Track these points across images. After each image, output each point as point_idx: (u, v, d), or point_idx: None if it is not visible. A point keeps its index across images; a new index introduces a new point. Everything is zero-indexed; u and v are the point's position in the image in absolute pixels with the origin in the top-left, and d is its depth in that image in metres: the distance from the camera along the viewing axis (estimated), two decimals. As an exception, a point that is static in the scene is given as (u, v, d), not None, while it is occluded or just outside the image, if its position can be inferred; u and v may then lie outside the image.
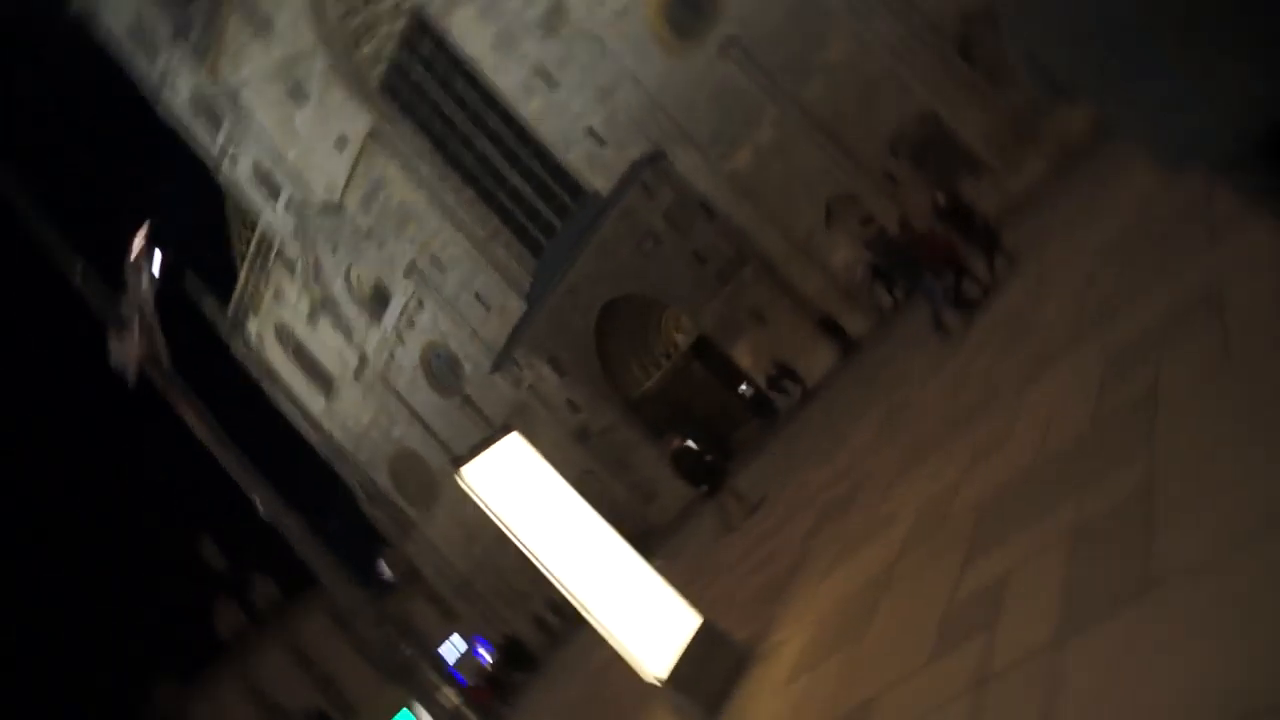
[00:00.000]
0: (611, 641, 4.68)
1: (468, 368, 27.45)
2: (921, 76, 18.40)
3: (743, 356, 22.15)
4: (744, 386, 22.94)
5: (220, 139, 28.44)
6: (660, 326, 25.41)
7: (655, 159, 21.49)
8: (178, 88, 28.11)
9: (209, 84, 27.31)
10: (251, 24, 25.80)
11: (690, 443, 11.25)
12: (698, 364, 24.65)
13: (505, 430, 4.95)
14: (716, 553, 10.35)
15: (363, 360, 30.02)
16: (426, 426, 29.55)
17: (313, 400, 32.85)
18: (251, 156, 28.39)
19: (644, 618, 4.80)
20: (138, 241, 5.27)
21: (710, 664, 4.84)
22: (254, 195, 29.29)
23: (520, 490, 4.82)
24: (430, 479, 30.32)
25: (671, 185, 21.51)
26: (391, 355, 29.22)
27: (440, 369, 28.60)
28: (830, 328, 19.43)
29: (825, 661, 3.96)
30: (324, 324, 30.53)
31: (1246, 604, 1.95)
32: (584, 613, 4.68)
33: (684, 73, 20.94)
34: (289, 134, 27.20)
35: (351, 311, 29.70)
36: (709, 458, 11.17)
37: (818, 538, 6.24)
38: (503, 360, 24.78)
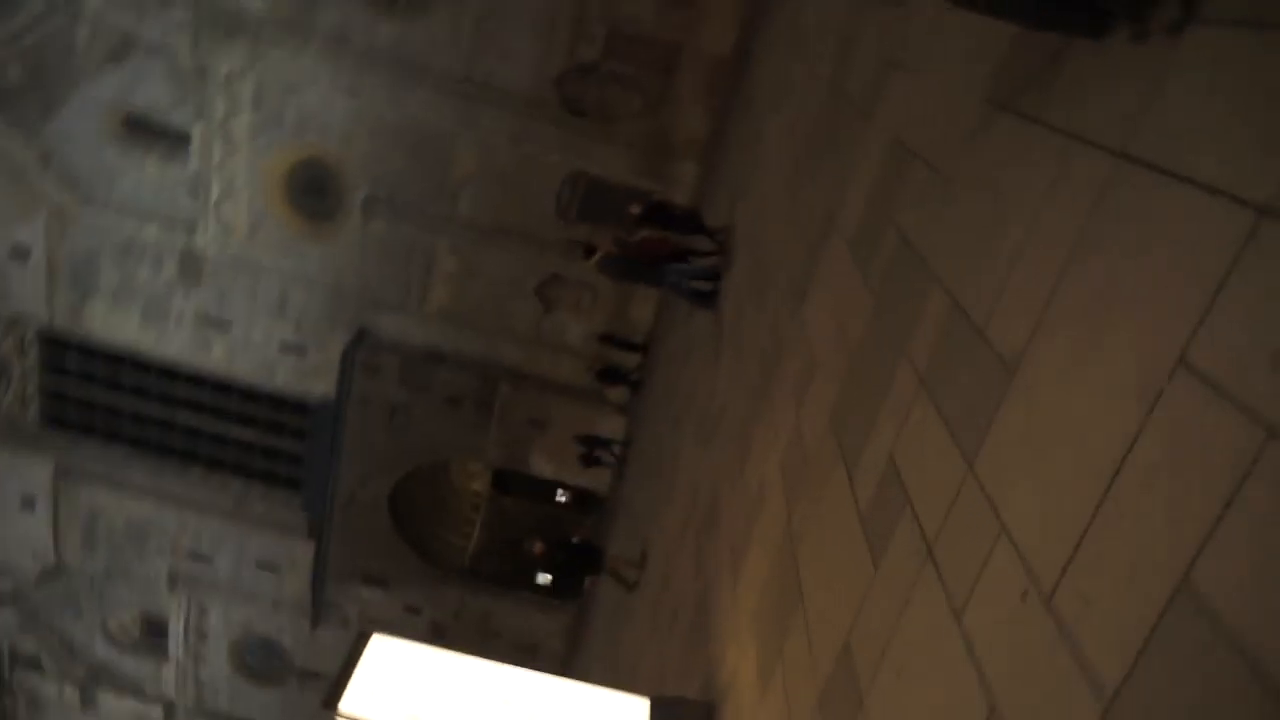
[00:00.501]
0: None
1: (287, 641, 24.79)
2: (549, 148, 19.52)
3: (544, 467, 21.86)
4: (559, 493, 22.62)
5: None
6: (453, 486, 24.54)
7: (360, 339, 20.99)
8: None
9: None
10: None
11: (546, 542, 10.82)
12: (507, 499, 24.01)
13: (364, 639, 4.37)
14: (626, 639, 9.90)
15: (168, 707, 26.11)
16: (275, 727, 26.21)
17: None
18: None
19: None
20: None
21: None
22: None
23: (411, 688, 4.27)
24: (310, 773, 26.87)
25: (389, 353, 21.08)
26: (197, 680, 25.67)
27: (257, 661, 25.56)
28: (610, 376, 19.68)
29: (783, 647, 3.79)
30: (105, 697, 26.26)
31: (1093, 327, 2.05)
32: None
33: (343, 249, 20.75)
34: (-39, 528, 23.67)
35: (130, 664, 25.85)
36: (575, 541, 10.79)
37: (707, 559, 6.10)
38: (318, 611, 22.70)
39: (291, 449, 23.25)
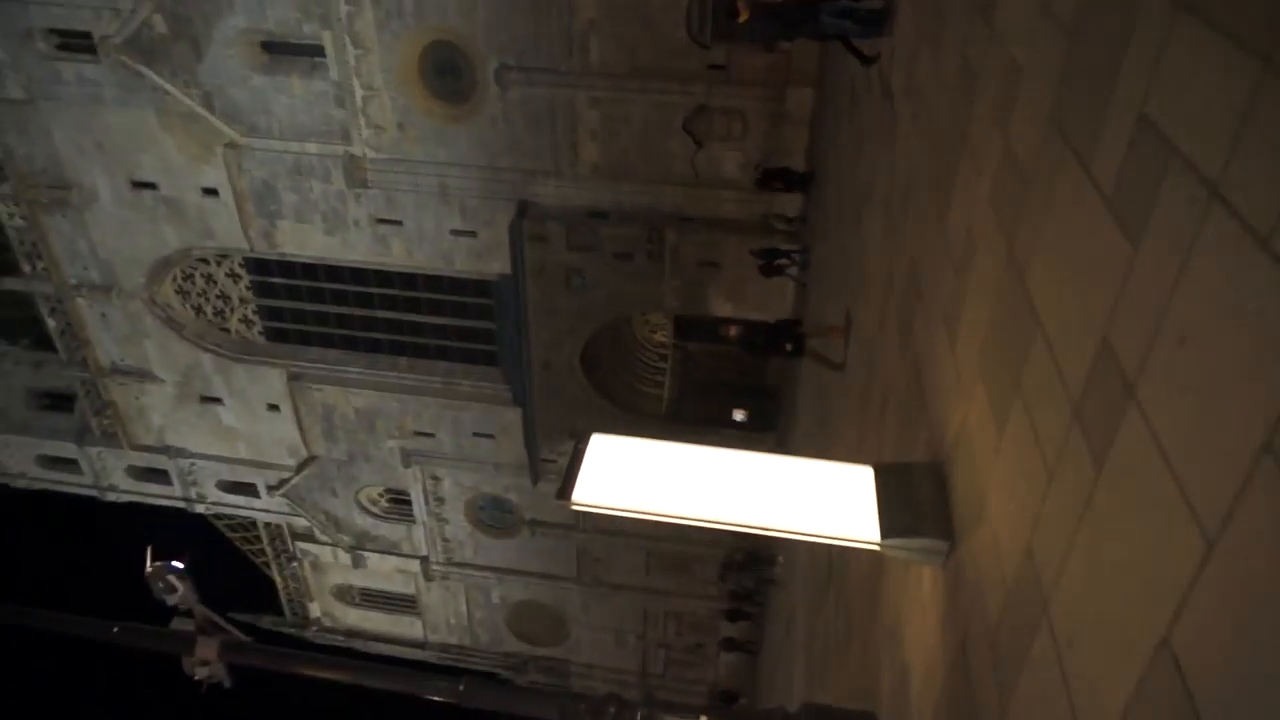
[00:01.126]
0: (816, 539, 4.20)
1: (513, 498, 26.94)
2: (673, -33, 18.35)
3: (722, 307, 21.75)
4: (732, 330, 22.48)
5: (176, 486, 28.44)
6: (638, 339, 25.04)
7: (522, 212, 21.28)
8: (113, 475, 28.47)
9: (136, 454, 27.64)
10: (132, 381, 26.07)
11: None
12: (692, 343, 24.26)
13: (585, 439, 4.46)
14: (835, 438, 9.78)
15: (424, 562, 29.52)
16: (517, 572, 29.01)
17: (410, 628, 32.26)
18: (211, 479, 28.34)
19: (825, 503, 4.31)
20: (149, 563, 4.74)
21: (911, 495, 4.37)
22: (237, 505, 29.01)
23: (638, 476, 4.33)
24: (551, 612, 29.78)
25: (552, 219, 21.27)
26: (444, 538, 28.71)
27: (492, 517, 28.12)
28: (777, 176, 18.90)
29: (1020, 380, 3.46)
30: (371, 559, 30.06)
31: None
32: (775, 533, 4.21)
33: (487, 125, 20.85)
34: (227, 436, 27.14)
35: (385, 530, 29.25)
36: (771, 321, 10.64)
37: (915, 331, 5.77)
38: (536, 469, 24.29)
39: (483, 327, 24.42)
